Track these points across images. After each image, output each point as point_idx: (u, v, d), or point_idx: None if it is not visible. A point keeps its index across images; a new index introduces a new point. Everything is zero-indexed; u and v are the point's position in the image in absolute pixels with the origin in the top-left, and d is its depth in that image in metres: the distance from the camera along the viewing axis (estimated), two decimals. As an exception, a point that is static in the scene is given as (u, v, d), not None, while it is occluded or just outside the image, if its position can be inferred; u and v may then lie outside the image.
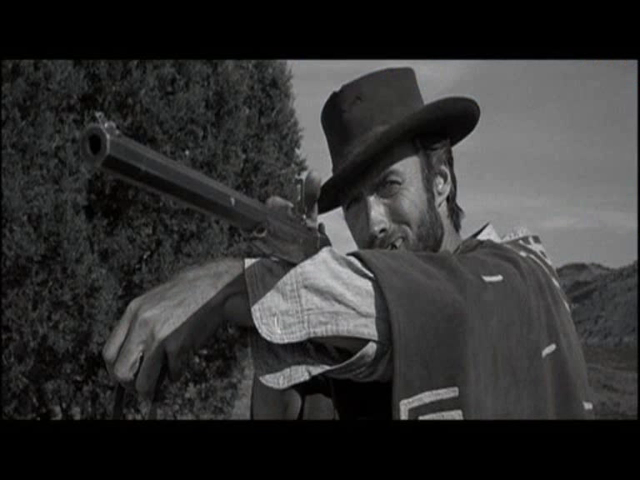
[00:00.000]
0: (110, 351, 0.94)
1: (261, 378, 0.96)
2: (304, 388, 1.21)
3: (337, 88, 1.34)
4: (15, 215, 5.57)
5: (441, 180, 1.34)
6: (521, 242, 1.25)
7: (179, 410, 7.31)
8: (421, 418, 0.96)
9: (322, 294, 0.95)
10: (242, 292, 0.95)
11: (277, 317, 0.94)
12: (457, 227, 1.36)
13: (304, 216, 0.97)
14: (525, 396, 1.05)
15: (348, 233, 1.34)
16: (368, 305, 0.96)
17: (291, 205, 0.95)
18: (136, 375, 0.94)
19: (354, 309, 0.96)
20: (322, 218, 1.09)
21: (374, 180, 1.28)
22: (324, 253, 0.98)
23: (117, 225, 6.40)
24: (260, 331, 0.93)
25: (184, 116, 6.35)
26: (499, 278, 1.07)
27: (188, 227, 6.48)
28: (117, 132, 0.65)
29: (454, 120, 1.33)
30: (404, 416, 0.95)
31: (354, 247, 1.31)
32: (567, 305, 1.20)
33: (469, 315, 0.99)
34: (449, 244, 1.32)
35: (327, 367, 0.98)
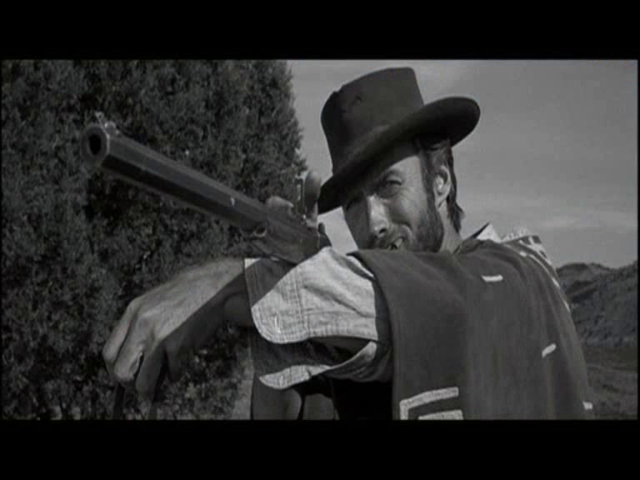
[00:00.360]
0: (110, 351, 0.94)
1: (261, 378, 0.96)
2: (304, 388, 1.21)
3: (337, 88, 1.34)
4: (15, 215, 5.57)
5: (441, 180, 1.34)
6: (521, 242, 1.25)
7: (179, 410, 7.31)
8: (421, 418, 0.96)
9: (322, 294, 0.95)
10: (242, 292, 0.95)
11: (277, 317, 0.94)
12: (457, 227, 1.36)
13: (304, 216, 0.97)
14: (525, 396, 1.05)
15: (348, 233, 1.34)
16: (368, 305, 0.96)
17: (291, 205, 0.95)
18: (136, 375, 0.94)
19: (354, 309, 0.96)
20: (322, 218, 1.09)
21: (374, 180, 1.28)
22: (324, 253, 0.98)
23: (117, 225, 6.40)
24: (260, 331, 0.93)
25: (184, 116, 6.34)
26: (499, 278, 1.07)
27: (188, 227, 6.48)
28: (117, 132, 0.65)
29: (454, 120, 1.33)
30: (404, 416, 0.95)
31: (354, 247, 1.31)
32: (567, 305, 1.20)
33: (469, 315, 0.99)
34: (449, 244, 1.32)
35: (327, 367, 0.98)
